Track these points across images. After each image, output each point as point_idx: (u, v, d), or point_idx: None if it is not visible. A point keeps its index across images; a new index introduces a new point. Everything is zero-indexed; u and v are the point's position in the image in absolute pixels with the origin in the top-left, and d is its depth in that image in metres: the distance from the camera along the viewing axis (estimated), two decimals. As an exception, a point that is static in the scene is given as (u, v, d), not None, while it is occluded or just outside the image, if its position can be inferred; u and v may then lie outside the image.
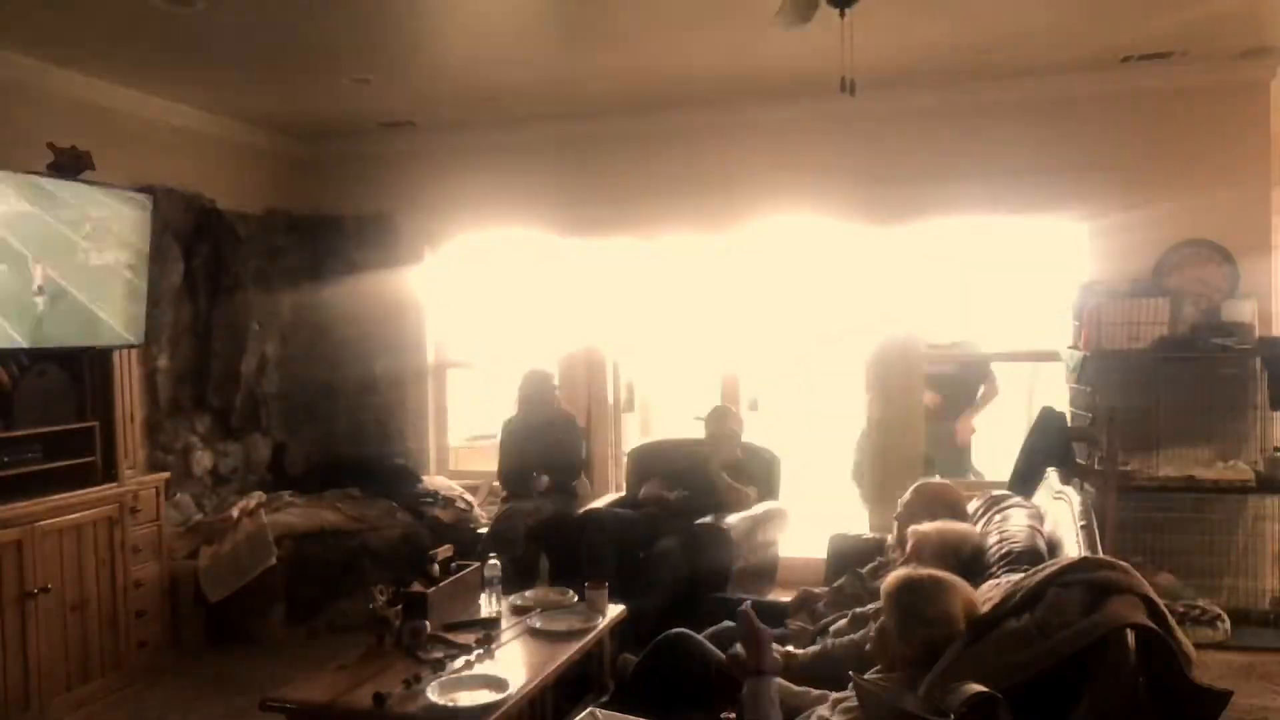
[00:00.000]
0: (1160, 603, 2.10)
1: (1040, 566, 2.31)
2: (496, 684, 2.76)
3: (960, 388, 5.74)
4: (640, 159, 5.59)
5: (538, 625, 3.29)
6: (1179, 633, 2.07)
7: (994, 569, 2.90)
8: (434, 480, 5.72)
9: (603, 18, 3.99)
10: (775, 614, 3.40)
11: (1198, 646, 2.13)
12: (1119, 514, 4.13)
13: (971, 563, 2.92)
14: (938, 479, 3.87)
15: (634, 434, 6.33)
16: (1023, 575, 2.32)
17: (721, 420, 4.91)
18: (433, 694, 2.68)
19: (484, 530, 5.14)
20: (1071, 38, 4.35)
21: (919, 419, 5.37)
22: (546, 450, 5.11)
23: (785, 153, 5.34)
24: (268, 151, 5.91)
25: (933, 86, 5.02)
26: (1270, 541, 4.52)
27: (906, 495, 3.50)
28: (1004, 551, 2.97)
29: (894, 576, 2.37)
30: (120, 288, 4.17)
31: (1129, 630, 2.01)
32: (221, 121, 5.46)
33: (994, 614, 2.22)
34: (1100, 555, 2.27)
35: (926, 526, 3.03)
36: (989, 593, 2.45)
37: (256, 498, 5.12)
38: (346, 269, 6.10)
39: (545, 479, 5.02)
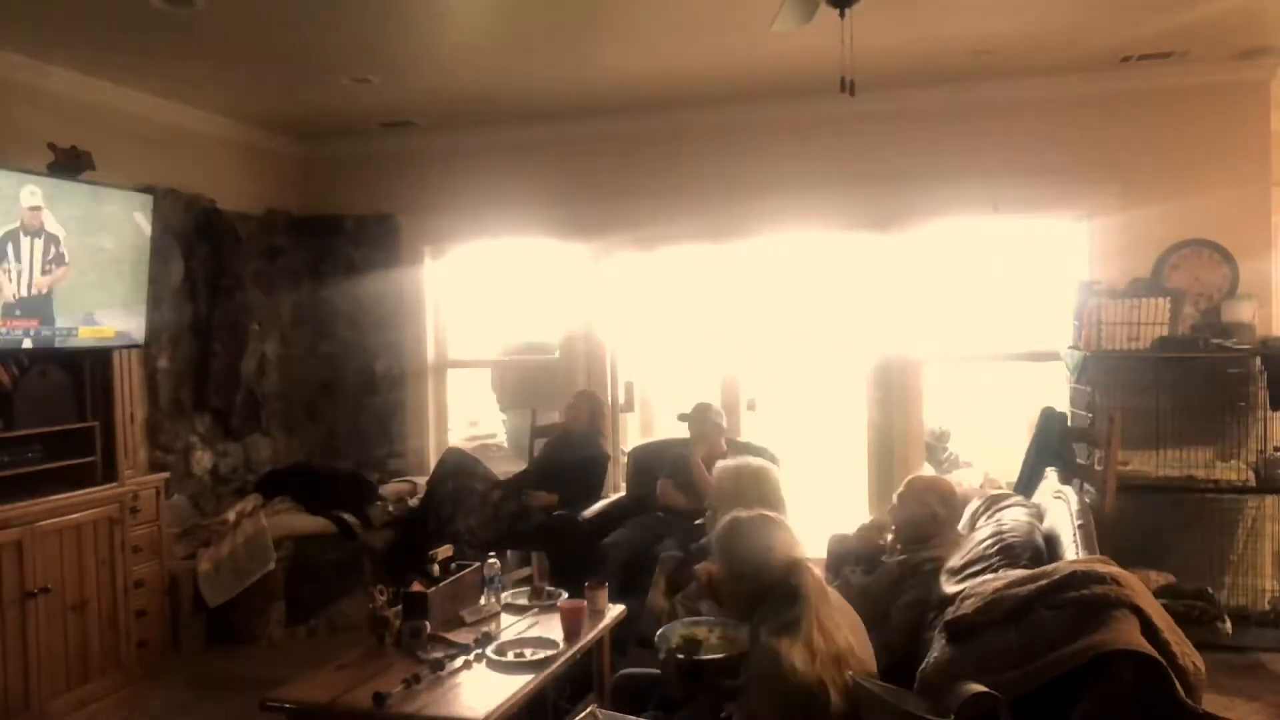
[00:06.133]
0: (1154, 616, 2.07)
1: (1033, 575, 2.29)
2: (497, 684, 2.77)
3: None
4: (639, 159, 5.59)
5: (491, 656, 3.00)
6: (1175, 645, 2.04)
7: (994, 564, 2.91)
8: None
9: (603, 18, 3.99)
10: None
11: (1197, 646, 2.10)
12: (1119, 514, 4.13)
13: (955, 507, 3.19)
14: (931, 472, 3.89)
15: (634, 434, 6.31)
16: (1013, 581, 2.31)
17: (703, 417, 4.90)
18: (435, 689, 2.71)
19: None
20: (1071, 38, 4.35)
21: (919, 420, 5.37)
22: (567, 473, 5.11)
23: (785, 153, 5.34)
24: (268, 151, 5.92)
25: (933, 86, 5.02)
26: (1270, 541, 4.52)
27: (900, 488, 3.54)
28: (1004, 544, 2.98)
29: (720, 521, 2.53)
30: (120, 288, 4.17)
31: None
32: (221, 121, 5.46)
33: (979, 618, 2.21)
34: (1093, 564, 2.24)
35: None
36: (980, 587, 2.44)
37: (253, 500, 5.11)
38: (346, 269, 6.11)
39: (544, 496, 5.03)
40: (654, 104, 5.34)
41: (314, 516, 5.13)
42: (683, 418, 4.94)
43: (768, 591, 2.32)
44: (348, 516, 5.16)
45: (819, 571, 2.38)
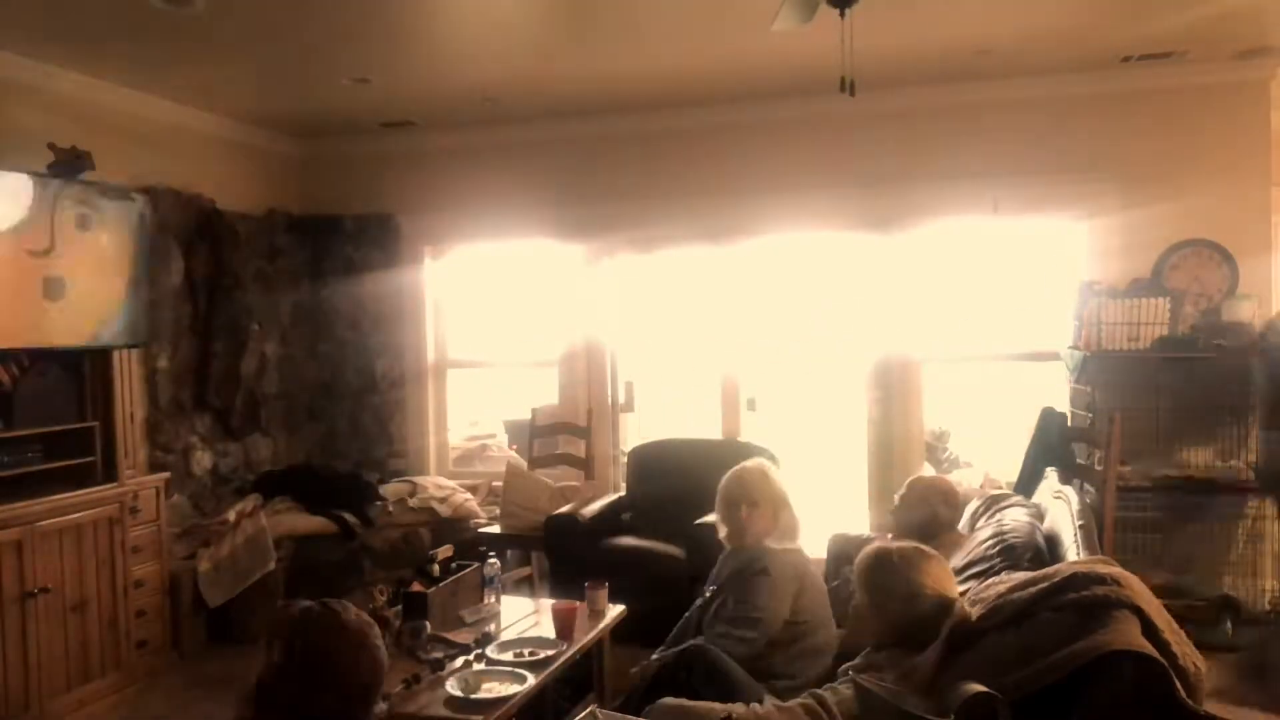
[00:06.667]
0: (1154, 616, 2.07)
1: (1034, 578, 2.29)
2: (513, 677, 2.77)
3: None
4: (639, 159, 5.59)
5: (491, 655, 3.04)
6: (1175, 645, 2.04)
7: (996, 565, 2.91)
8: (429, 480, 5.70)
9: (603, 18, 3.99)
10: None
11: (1198, 646, 2.10)
12: (1119, 514, 4.13)
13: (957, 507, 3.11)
14: (932, 473, 3.89)
15: (634, 434, 6.31)
16: (1015, 585, 2.31)
17: None
18: (451, 687, 2.72)
19: (485, 528, 5.15)
20: (1071, 38, 4.35)
21: (919, 420, 5.38)
22: None
23: (785, 153, 5.34)
24: (268, 151, 5.91)
25: (933, 86, 5.02)
26: (1270, 541, 4.52)
27: (902, 489, 3.55)
28: (1005, 545, 2.98)
29: (865, 551, 2.38)
30: (120, 288, 4.17)
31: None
32: (221, 121, 5.46)
33: (980, 624, 2.21)
34: (1094, 565, 2.24)
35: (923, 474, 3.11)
36: (984, 592, 2.44)
37: (253, 500, 5.12)
38: (346, 269, 6.11)
39: None
40: (654, 104, 5.34)
41: (314, 516, 5.14)
42: None
43: (913, 629, 2.22)
44: (348, 516, 5.16)
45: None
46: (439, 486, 5.58)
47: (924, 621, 2.21)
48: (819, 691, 2.29)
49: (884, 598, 2.26)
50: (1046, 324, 5.13)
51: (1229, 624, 4.26)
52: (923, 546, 2.41)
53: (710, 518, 4.42)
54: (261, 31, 4.03)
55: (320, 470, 5.71)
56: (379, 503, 5.34)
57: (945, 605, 2.23)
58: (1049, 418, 4.49)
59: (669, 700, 2.46)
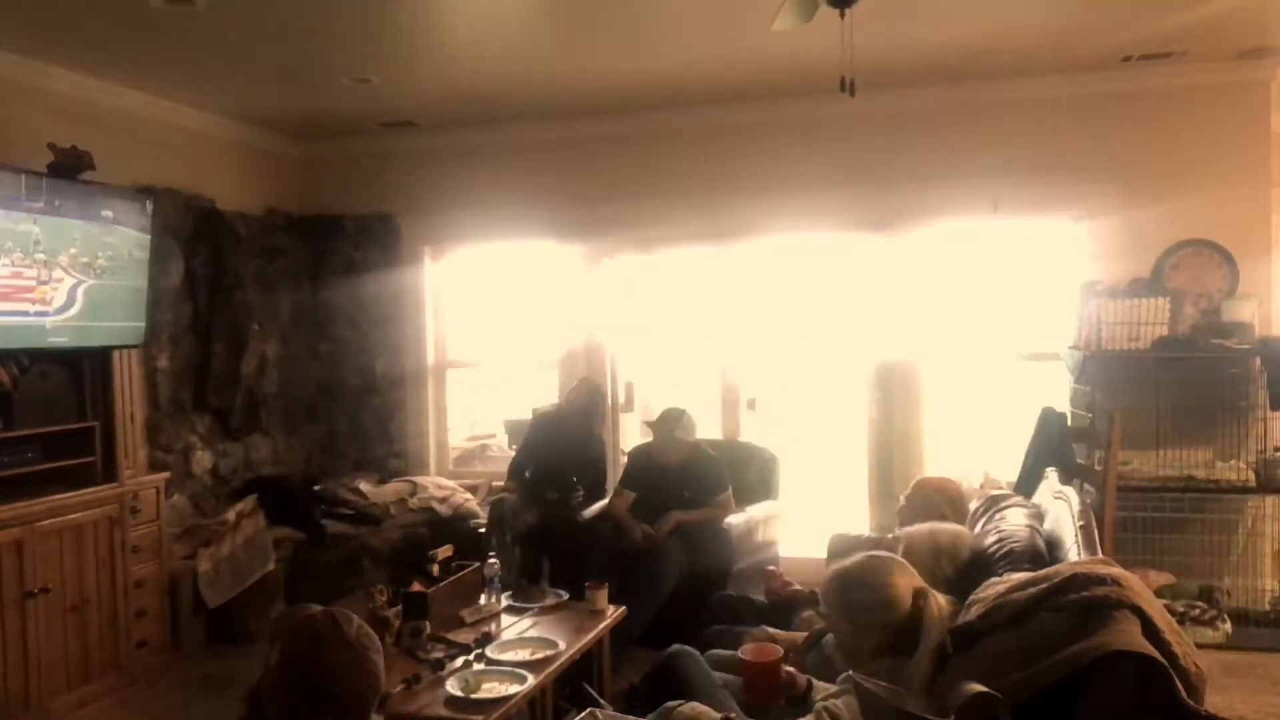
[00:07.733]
0: (1155, 616, 2.07)
1: (1033, 578, 2.29)
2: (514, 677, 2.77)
3: None
4: (639, 160, 5.59)
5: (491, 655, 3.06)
6: (1176, 645, 2.04)
7: (996, 568, 2.90)
8: (429, 480, 5.70)
9: (603, 18, 3.99)
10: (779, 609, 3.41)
11: (1198, 646, 2.10)
12: (1119, 514, 4.13)
13: (968, 566, 2.91)
14: (938, 474, 3.86)
15: (634, 434, 6.31)
16: (1015, 585, 2.30)
17: (668, 425, 4.72)
18: (451, 687, 2.73)
19: (484, 530, 5.14)
20: (1071, 38, 4.35)
21: (919, 420, 5.38)
22: (577, 465, 5.04)
23: (785, 154, 5.34)
24: (268, 151, 5.91)
25: (933, 86, 5.02)
26: (1270, 541, 4.52)
27: (908, 490, 3.54)
28: (1005, 551, 2.97)
29: (826, 580, 2.37)
30: (120, 288, 4.16)
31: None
32: (221, 121, 5.46)
33: (980, 625, 2.21)
34: (1094, 565, 2.24)
35: (919, 527, 3.03)
36: (983, 592, 2.44)
37: (252, 501, 5.11)
38: (346, 269, 6.12)
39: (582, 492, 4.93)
40: (654, 104, 5.34)
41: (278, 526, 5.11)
42: (651, 425, 4.80)
43: (903, 633, 2.20)
44: (298, 534, 5.12)
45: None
46: (439, 486, 5.58)
47: (911, 621, 2.22)
48: (830, 705, 2.29)
49: (864, 615, 2.25)
50: (1047, 324, 5.13)
51: (1228, 624, 4.26)
52: (874, 552, 2.41)
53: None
54: (262, 32, 4.03)
55: (278, 481, 5.60)
56: (325, 521, 5.26)
57: (921, 594, 2.24)
58: (1049, 417, 4.48)
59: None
